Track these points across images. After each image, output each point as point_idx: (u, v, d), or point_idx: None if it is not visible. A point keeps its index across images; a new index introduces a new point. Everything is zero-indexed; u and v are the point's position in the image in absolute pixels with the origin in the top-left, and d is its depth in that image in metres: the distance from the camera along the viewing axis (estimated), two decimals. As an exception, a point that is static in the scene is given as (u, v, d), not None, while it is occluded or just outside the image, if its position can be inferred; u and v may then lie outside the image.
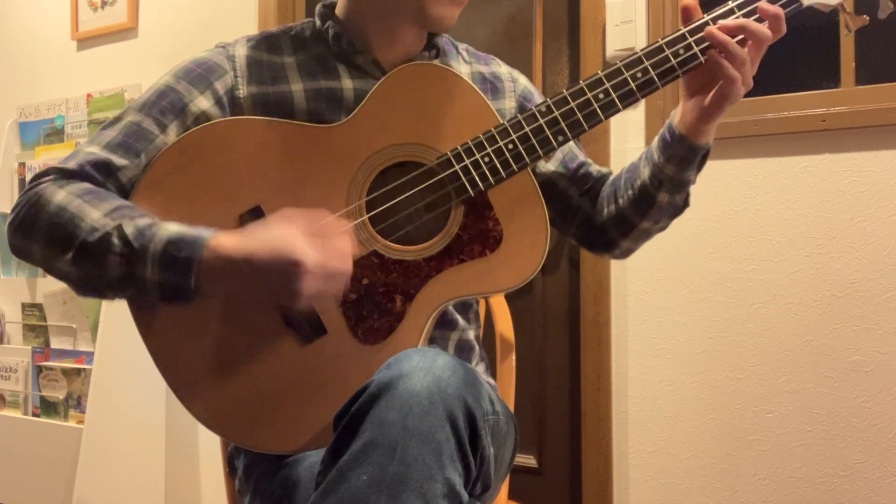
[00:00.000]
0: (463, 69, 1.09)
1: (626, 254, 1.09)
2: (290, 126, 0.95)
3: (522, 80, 1.14)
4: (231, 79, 0.99)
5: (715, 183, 1.65)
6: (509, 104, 1.10)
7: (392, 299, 0.91)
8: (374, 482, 0.69)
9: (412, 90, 0.94)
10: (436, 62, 1.05)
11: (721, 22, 0.88)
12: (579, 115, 0.91)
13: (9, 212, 0.91)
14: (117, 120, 0.96)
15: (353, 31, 1.02)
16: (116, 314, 2.02)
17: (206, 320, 0.90)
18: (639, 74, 0.90)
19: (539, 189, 0.93)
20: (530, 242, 0.91)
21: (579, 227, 1.10)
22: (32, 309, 2.27)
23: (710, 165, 0.97)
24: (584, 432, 1.78)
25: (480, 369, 1.09)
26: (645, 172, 0.98)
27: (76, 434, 2.00)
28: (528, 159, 0.91)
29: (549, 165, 1.10)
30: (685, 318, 1.69)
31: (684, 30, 0.90)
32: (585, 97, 0.91)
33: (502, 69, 1.13)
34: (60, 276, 0.88)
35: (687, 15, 0.90)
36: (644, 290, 1.73)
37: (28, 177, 2.29)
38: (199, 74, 0.98)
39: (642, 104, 1.71)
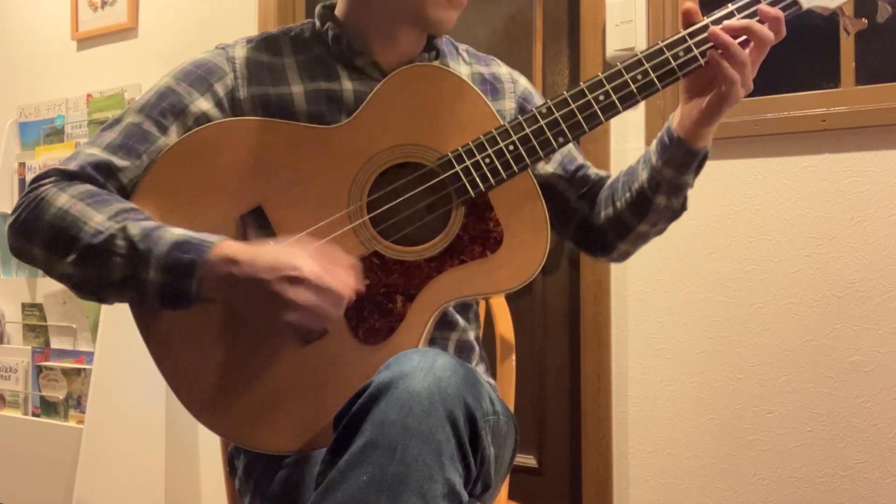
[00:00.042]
0: (463, 70, 1.09)
1: (623, 257, 1.09)
2: (291, 127, 0.95)
3: (522, 82, 1.14)
4: (231, 80, 0.99)
5: (715, 183, 1.65)
6: (509, 105, 1.10)
7: (393, 300, 0.91)
8: (375, 482, 0.69)
9: (413, 91, 0.94)
10: (435, 63, 1.05)
11: (726, 23, 0.88)
12: (580, 116, 0.91)
13: (9, 212, 0.91)
14: (117, 121, 0.96)
15: (352, 33, 1.02)
16: (116, 314, 2.02)
17: (207, 321, 0.90)
18: (639, 76, 0.91)
19: (539, 190, 0.93)
20: (531, 243, 0.91)
21: (577, 230, 1.10)
22: (32, 309, 2.27)
23: (710, 165, 0.97)
24: (584, 432, 1.79)
25: (480, 370, 1.09)
26: (643, 175, 0.98)
27: (76, 434, 2.00)
28: (528, 160, 0.92)
29: (547, 167, 1.10)
30: (685, 318, 1.69)
31: (684, 32, 0.90)
32: (586, 99, 0.91)
33: (502, 70, 1.13)
34: (61, 277, 0.88)
35: (687, 18, 0.91)
36: (644, 290, 1.73)
37: (28, 177, 2.29)
38: (200, 76, 0.98)
39: (642, 104, 1.71)
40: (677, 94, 0.96)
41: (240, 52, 1.01)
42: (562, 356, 1.89)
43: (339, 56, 1.02)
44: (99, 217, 0.85)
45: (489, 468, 0.82)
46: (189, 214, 0.90)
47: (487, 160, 0.92)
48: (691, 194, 1.01)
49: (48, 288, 2.24)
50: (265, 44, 1.03)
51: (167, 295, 0.83)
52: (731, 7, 0.90)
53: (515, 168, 0.92)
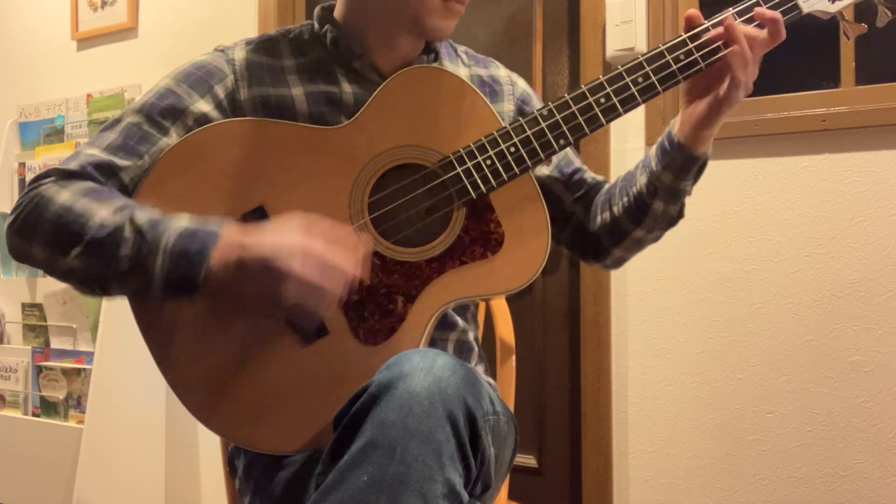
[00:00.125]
0: (461, 72, 1.09)
1: (617, 263, 1.09)
2: (293, 127, 0.95)
3: (521, 84, 1.14)
4: (231, 82, 0.99)
5: (715, 183, 1.65)
6: (508, 107, 1.10)
7: (393, 300, 0.91)
8: (374, 482, 0.69)
9: (414, 93, 0.95)
10: (434, 65, 1.05)
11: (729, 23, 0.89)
12: (581, 118, 0.92)
13: (8, 213, 0.91)
14: (116, 122, 0.95)
15: (351, 36, 1.03)
16: (116, 314, 2.02)
17: (208, 320, 0.90)
18: (640, 79, 0.91)
19: (540, 192, 0.93)
20: (532, 244, 0.92)
21: (572, 234, 1.10)
22: (32, 309, 2.27)
23: (711, 165, 0.97)
24: (584, 432, 1.79)
25: (480, 370, 1.09)
26: (641, 180, 0.98)
27: (76, 434, 2.00)
28: (529, 162, 0.92)
29: (543, 170, 1.10)
30: (685, 318, 1.69)
31: (685, 35, 0.91)
32: (587, 101, 0.92)
33: (501, 72, 1.13)
34: (64, 273, 0.87)
35: (690, 23, 0.91)
36: (644, 290, 1.73)
37: (28, 177, 2.29)
38: (199, 78, 0.98)
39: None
40: (677, 95, 0.96)
41: (239, 54, 1.01)
42: (562, 356, 1.89)
43: (338, 58, 1.02)
44: (104, 211, 0.85)
45: (489, 468, 0.82)
46: (191, 214, 0.89)
47: (489, 161, 0.92)
48: (692, 194, 1.01)
49: (48, 288, 2.24)
50: (264, 46, 1.03)
51: (173, 283, 0.83)
52: (731, 11, 0.91)
53: (517, 170, 0.92)
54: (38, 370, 2.16)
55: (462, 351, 1.06)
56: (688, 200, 1.00)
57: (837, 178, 1.56)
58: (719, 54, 0.89)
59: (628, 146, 1.75)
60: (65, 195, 0.86)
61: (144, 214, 0.85)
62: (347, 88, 1.00)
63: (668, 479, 1.70)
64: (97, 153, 0.92)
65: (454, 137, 0.93)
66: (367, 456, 0.70)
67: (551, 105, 0.92)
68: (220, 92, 0.98)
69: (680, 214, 1.01)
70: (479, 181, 0.92)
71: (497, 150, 0.92)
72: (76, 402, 2.09)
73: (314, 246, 0.81)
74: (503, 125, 0.93)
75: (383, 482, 0.68)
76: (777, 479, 1.59)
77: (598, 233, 1.06)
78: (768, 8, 0.90)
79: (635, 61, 0.92)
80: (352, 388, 0.77)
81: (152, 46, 2.42)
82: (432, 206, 0.94)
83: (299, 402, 0.89)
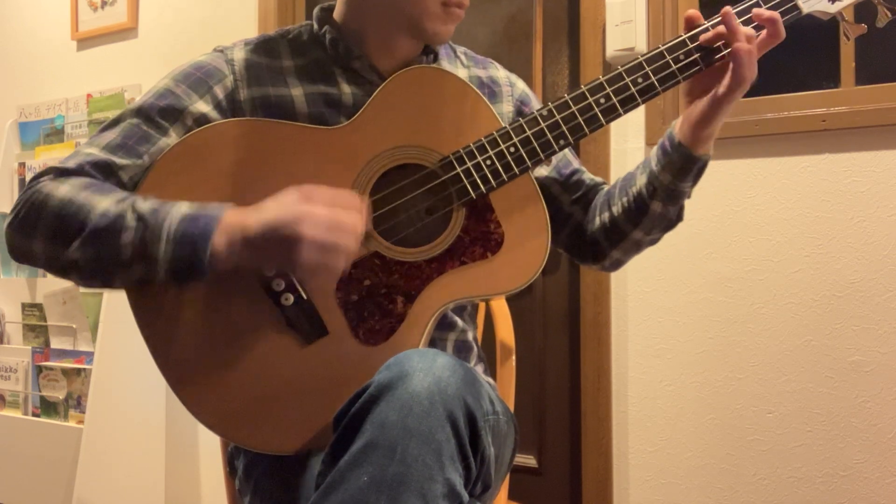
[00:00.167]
0: (460, 73, 1.09)
1: (614, 266, 1.09)
2: (292, 127, 0.95)
3: (520, 85, 1.14)
4: (231, 82, 0.99)
5: (715, 183, 1.65)
6: (507, 108, 1.10)
7: (393, 300, 0.91)
8: (375, 482, 0.69)
9: (414, 93, 0.95)
10: (434, 66, 1.05)
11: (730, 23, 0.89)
12: (580, 119, 0.92)
13: (8, 212, 0.91)
14: (116, 122, 0.95)
15: (350, 37, 1.03)
16: (116, 314, 2.02)
17: (208, 320, 0.90)
18: (639, 79, 0.91)
19: (540, 192, 0.93)
20: (531, 245, 0.92)
21: (570, 235, 1.10)
22: (32, 309, 2.27)
23: (711, 165, 0.97)
24: (584, 432, 1.79)
25: (479, 369, 1.10)
26: (641, 180, 0.98)
27: (76, 434, 2.00)
28: (529, 162, 0.92)
29: (541, 170, 1.10)
30: (685, 318, 1.69)
31: (685, 36, 0.91)
32: (587, 101, 0.92)
33: (500, 73, 1.13)
34: (66, 267, 0.86)
35: (690, 24, 0.92)
36: (644, 290, 1.73)
37: (28, 177, 2.29)
38: (199, 78, 0.98)
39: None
40: (677, 95, 0.96)
41: (238, 55, 1.01)
42: (562, 356, 1.89)
43: (337, 59, 1.02)
44: (105, 202, 0.85)
45: (489, 468, 0.82)
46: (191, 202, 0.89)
47: (488, 162, 0.92)
48: (691, 196, 1.01)
49: (48, 288, 2.24)
50: (263, 46, 1.03)
51: (178, 268, 0.83)
52: (731, 11, 0.91)
53: (516, 170, 0.92)
54: (38, 370, 2.16)
55: (461, 351, 1.06)
56: (687, 200, 1.00)
57: (837, 178, 1.56)
58: (719, 54, 0.90)
59: (628, 146, 1.75)
60: (64, 189, 0.86)
61: (146, 203, 0.85)
62: (346, 89, 1.00)
63: (668, 479, 1.70)
64: (96, 152, 0.92)
65: (454, 138, 0.93)
66: (367, 456, 0.70)
67: (551, 105, 0.93)
68: (220, 92, 0.98)
69: (679, 217, 1.01)
70: (478, 181, 0.92)
71: (497, 150, 0.92)
72: (76, 402, 2.09)
73: (316, 209, 0.81)
74: (503, 125, 0.93)
75: (383, 482, 0.69)
76: (777, 479, 1.59)
77: (596, 234, 1.06)
78: (767, 9, 0.90)
79: (635, 61, 0.92)
80: (352, 388, 0.77)
81: (152, 46, 2.42)
82: (432, 206, 0.94)
83: (299, 402, 0.89)
